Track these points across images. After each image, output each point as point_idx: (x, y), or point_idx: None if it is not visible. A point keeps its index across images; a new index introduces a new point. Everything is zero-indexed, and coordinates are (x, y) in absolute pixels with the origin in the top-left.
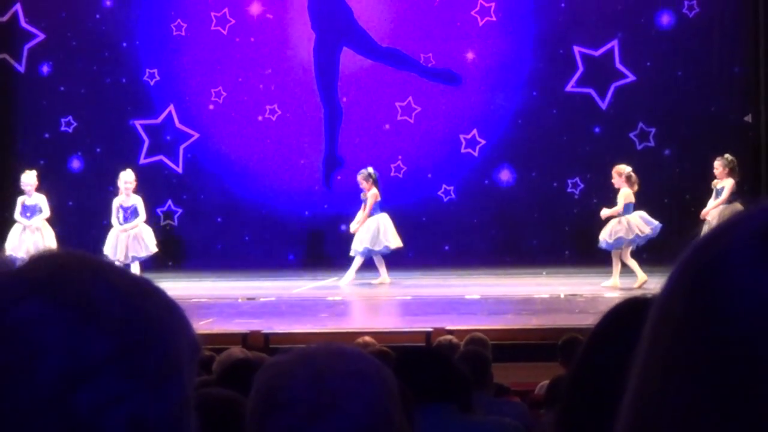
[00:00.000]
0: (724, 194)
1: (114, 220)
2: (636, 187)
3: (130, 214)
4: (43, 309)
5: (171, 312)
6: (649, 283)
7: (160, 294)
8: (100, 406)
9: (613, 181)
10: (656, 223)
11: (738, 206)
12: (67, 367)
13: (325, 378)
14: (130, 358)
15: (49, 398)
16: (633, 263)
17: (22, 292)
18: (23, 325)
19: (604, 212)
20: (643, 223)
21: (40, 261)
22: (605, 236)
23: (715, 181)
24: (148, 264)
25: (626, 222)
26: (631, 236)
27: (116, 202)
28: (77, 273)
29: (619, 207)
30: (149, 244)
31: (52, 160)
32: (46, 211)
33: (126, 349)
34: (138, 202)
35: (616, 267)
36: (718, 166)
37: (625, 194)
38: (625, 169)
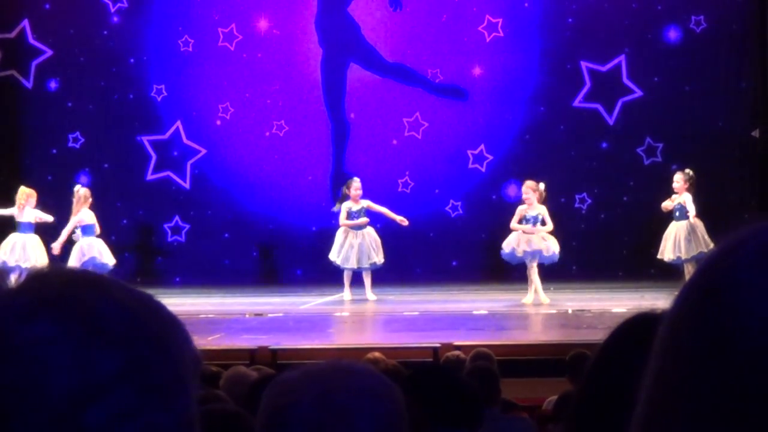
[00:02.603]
0: (692, 209)
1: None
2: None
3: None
4: (52, 328)
5: (174, 326)
6: (537, 305)
7: (162, 309)
8: (111, 422)
9: (527, 197)
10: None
11: (698, 222)
12: (77, 385)
13: (332, 396)
14: (139, 373)
15: (60, 416)
16: (536, 277)
17: (30, 311)
18: (32, 344)
19: (535, 229)
20: (540, 240)
21: (44, 278)
22: (507, 248)
23: (674, 195)
24: (155, 281)
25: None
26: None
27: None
28: (83, 290)
29: (549, 225)
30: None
31: (59, 175)
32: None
33: (135, 365)
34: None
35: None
36: (679, 180)
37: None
38: (539, 185)
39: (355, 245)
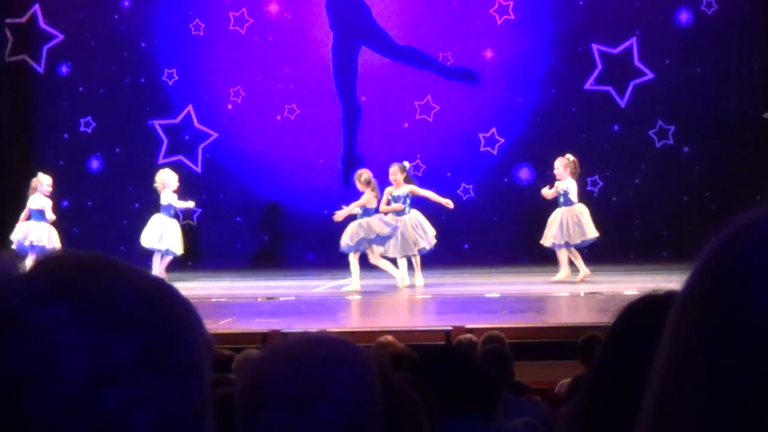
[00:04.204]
0: (574, 196)
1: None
2: (376, 192)
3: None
4: (67, 311)
5: (187, 310)
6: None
7: (175, 292)
8: (127, 405)
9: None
10: (394, 224)
11: (582, 206)
12: (93, 368)
13: (306, 369)
14: (154, 356)
15: (77, 399)
16: (383, 263)
17: (44, 295)
18: (48, 327)
19: (341, 213)
20: (382, 225)
21: (58, 262)
22: (347, 240)
23: (557, 182)
24: (169, 264)
25: (366, 224)
26: (372, 236)
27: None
28: (96, 274)
29: (355, 206)
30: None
31: (71, 160)
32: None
33: (150, 347)
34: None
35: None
36: (559, 166)
37: (367, 198)
38: (361, 175)
39: (397, 233)
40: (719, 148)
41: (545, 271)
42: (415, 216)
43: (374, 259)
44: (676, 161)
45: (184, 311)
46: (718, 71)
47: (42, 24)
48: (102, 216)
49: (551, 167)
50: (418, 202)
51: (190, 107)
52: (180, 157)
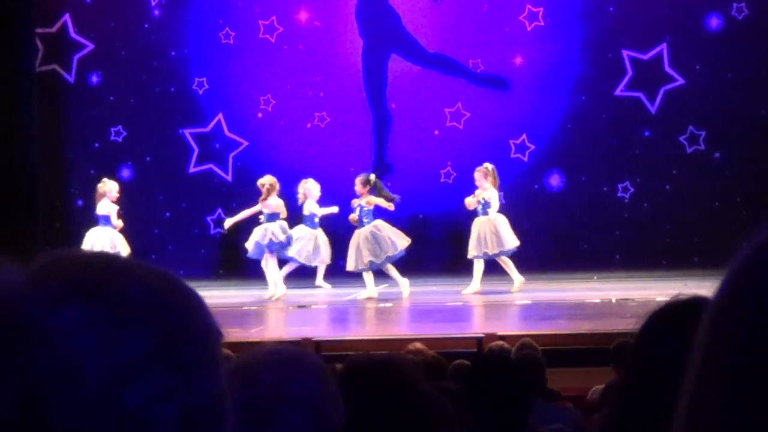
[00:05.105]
0: (495, 206)
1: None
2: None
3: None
4: (80, 313)
5: (196, 301)
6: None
7: (183, 284)
8: (150, 400)
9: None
10: (290, 232)
11: (500, 216)
12: (113, 367)
13: (259, 376)
14: (172, 350)
15: (99, 400)
16: (275, 271)
17: (57, 299)
18: (63, 331)
19: (230, 221)
20: (280, 231)
21: (63, 264)
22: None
23: (478, 191)
24: (199, 273)
25: (264, 229)
26: (265, 242)
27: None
28: (105, 273)
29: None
30: None
31: (101, 169)
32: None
33: (167, 342)
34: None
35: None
36: (479, 177)
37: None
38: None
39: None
40: (750, 154)
41: (577, 277)
42: (367, 231)
43: (264, 263)
44: (707, 167)
45: (194, 303)
46: (749, 76)
47: (72, 33)
48: (133, 225)
49: (582, 174)
50: (441, 211)
51: (220, 116)
52: (210, 165)
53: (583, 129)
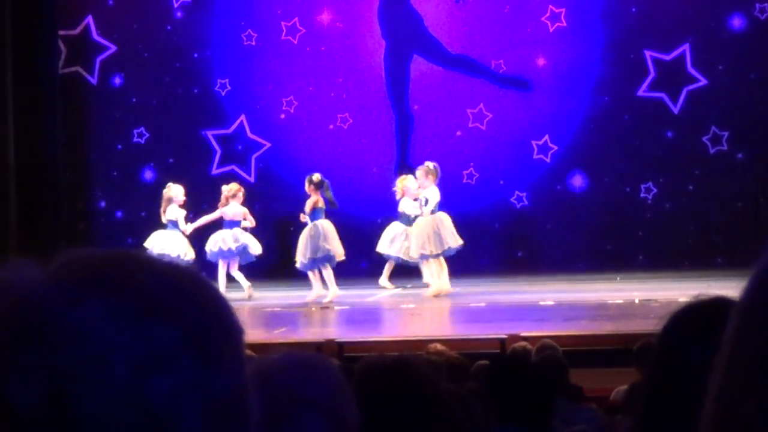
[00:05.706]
0: (431, 204)
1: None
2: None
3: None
4: (102, 308)
5: (217, 295)
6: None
7: (203, 279)
8: (175, 393)
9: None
10: (244, 241)
11: (443, 215)
12: (137, 360)
13: (276, 379)
14: (195, 343)
15: (124, 393)
16: (238, 275)
17: (78, 294)
18: (86, 326)
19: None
20: (231, 240)
21: (80, 262)
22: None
23: (419, 190)
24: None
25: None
26: (216, 249)
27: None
28: (125, 268)
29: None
30: None
31: (124, 171)
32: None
33: (191, 334)
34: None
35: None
36: (420, 176)
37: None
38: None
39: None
40: None
41: (600, 278)
42: (307, 231)
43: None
44: (730, 167)
45: (217, 299)
46: None
47: (95, 35)
48: (156, 226)
49: (605, 174)
50: (464, 211)
51: (242, 117)
52: (233, 167)
53: (605, 130)
